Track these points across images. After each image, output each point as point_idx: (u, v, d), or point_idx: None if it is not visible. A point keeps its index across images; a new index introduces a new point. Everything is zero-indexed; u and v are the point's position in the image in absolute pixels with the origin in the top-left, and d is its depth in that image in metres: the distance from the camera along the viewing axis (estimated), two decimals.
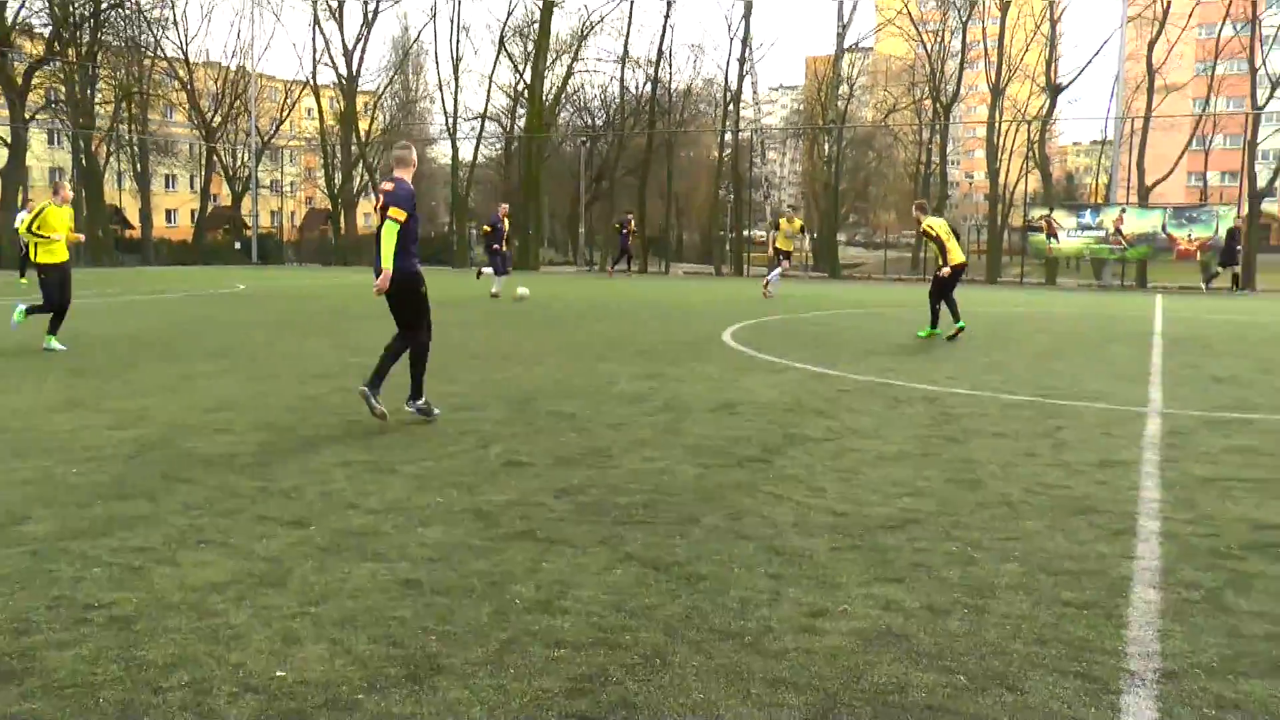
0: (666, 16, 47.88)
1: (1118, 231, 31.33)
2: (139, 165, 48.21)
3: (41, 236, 11.95)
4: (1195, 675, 3.49)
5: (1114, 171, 35.59)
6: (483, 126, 51.08)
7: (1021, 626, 3.89)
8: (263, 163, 54.49)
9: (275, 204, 58.02)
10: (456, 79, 49.64)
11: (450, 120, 50.22)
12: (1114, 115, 37.56)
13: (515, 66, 49.14)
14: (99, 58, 45.09)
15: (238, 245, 48.07)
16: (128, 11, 45.62)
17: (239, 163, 52.87)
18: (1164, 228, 31.06)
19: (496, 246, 22.81)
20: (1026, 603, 4.14)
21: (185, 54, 49.62)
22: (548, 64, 46.83)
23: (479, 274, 23.86)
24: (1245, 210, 34.91)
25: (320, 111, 52.39)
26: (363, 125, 52.11)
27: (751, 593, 4.22)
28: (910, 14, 44.57)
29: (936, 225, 14.76)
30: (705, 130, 53.17)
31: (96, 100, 46.04)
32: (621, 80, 49.08)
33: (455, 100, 54.69)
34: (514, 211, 30.19)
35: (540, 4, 45.92)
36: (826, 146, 46.49)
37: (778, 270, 23.52)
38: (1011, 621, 3.94)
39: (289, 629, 3.77)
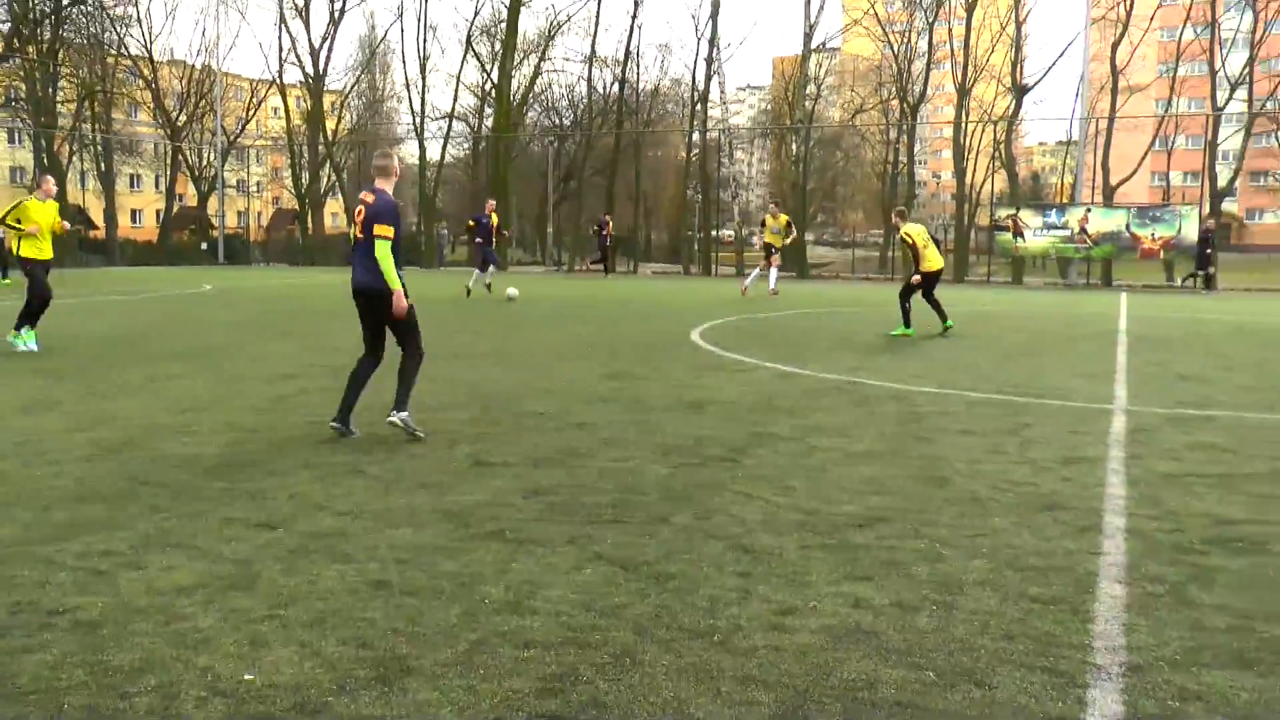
0: (634, 16, 47.75)
1: (1083, 231, 31.63)
2: (103, 165, 47.65)
3: (11, 227, 11.77)
4: (1159, 668, 3.53)
5: (1079, 171, 35.93)
6: (450, 126, 50.96)
7: (989, 622, 3.92)
8: (229, 162, 54.05)
9: (242, 204, 57.57)
10: (424, 78, 49.49)
11: (417, 120, 50.06)
12: (1079, 116, 37.98)
13: (483, 66, 49.06)
14: (60, 55, 44.54)
15: (204, 245, 47.63)
16: (89, 8, 45.12)
17: (205, 162, 52.37)
18: (1128, 227, 31.39)
19: (480, 241, 22.50)
20: (994, 599, 4.18)
21: (149, 52, 49.11)
22: (515, 63, 46.76)
23: (489, 286, 22.25)
24: (1207, 209, 35.36)
25: (287, 111, 52.02)
26: (330, 125, 51.77)
27: (721, 591, 4.23)
28: (877, 14, 44.82)
29: (915, 233, 15.06)
30: (673, 130, 53.23)
31: (58, 99, 45.46)
32: (589, 80, 49.10)
33: (422, 100, 54.34)
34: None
35: (507, 3, 45.83)
36: (794, 146, 46.67)
37: (756, 271, 23.11)
38: (979, 617, 3.97)
39: (257, 632, 3.74)
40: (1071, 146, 41.98)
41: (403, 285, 7.09)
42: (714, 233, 45.84)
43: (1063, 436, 7.56)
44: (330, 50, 50.61)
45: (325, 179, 52.42)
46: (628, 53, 47.25)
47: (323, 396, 8.86)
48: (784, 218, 23.34)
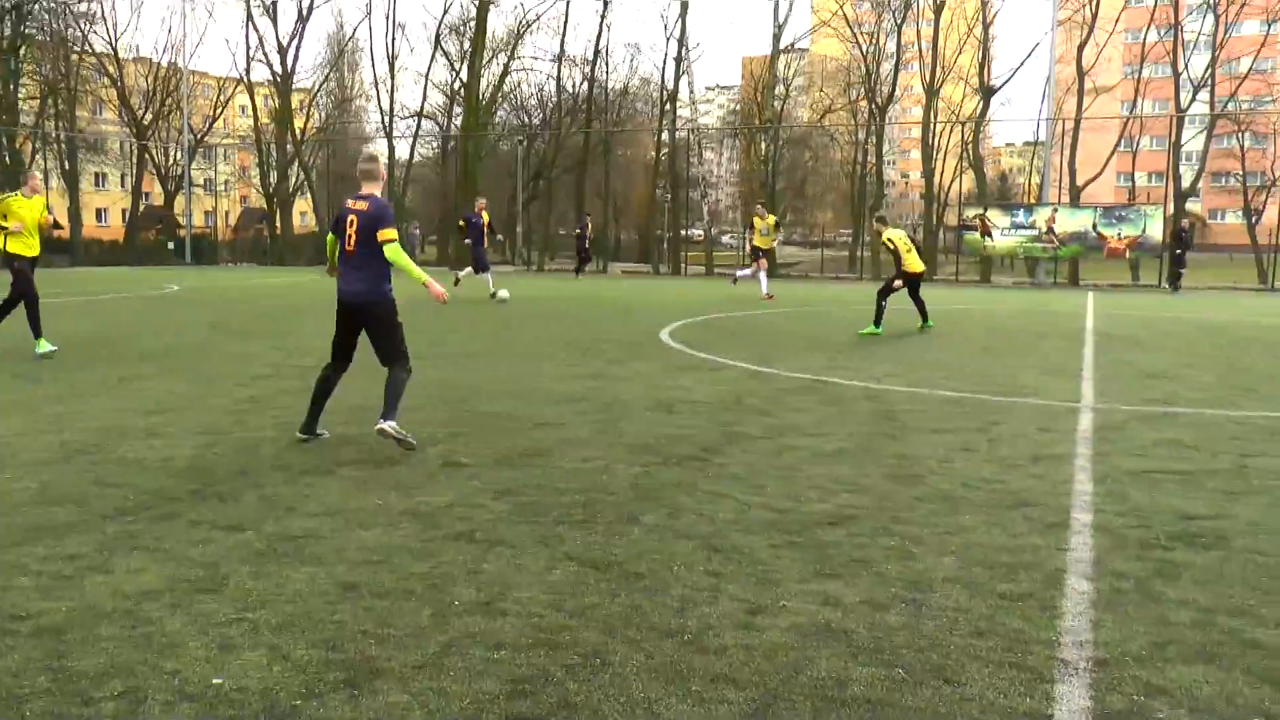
0: (603, 16, 47.78)
1: (1050, 230, 31.89)
2: (67, 163, 47.10)
3: None
4: (1126, 663, 3.57)
5: (1046, 172, 36.22)
6: (419, 125, 50.71)
7: (959, 619, 3.95)
8: (196, 161, 53.53)
9: (209, 203, 57.00)
10: (393, 77, 49.20)
11: (386, 119, 49.79)
12: (1045, 117, 38.30)
13: (452, 64, 48.85)
14: (22, 52, 43.96)
15: (171, 245, 47.15)
16: (53, 4, 44.57)
17: (172, 161, 51.80)
18: (1094, 227, 31.67)
19: (469, 242, 21.81)
20: (964, 596, 4.20)
21: (114, 49, 48.56)
22: (484, 62, 46.54)
23: (456, 281, 21.25)
24: (1171, 209, 35.78)
25: (254, 109, 51.56)
26: (298, 123, 51.36)
27: (691, 591, 4.24)
28: (845, 16, 45.00)
29: (897, 238, 15.41)
30: (642, 130, 53.20)
31: (20, 95, 44.87)
32: (558, 79, 48.97)
33: (391, 98, 54.11)
34: (450, 211, 29.67)
35: (476, 2, 45.66)
36: (763, 146, 46.77)
37: (747, 270, 22.88)
38: (949, 615, 4.00)
39: (225, 635, 3.71)
40: (1038, 147, 42.38)
41: (392, 298, 6.86)
42: (683, 232, 45.85)
43: (1031, 434, 7.62)
44: (298, 48, 50.35)
45: (294, 178, 52.01)
46: (597, 52, 47.26)
47: (293, 398, 8.80)
48: (771, 218, 23.24)
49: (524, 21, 48.19)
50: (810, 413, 8.44)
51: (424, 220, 54.02)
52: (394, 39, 69.76)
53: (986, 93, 43.45)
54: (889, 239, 15.40)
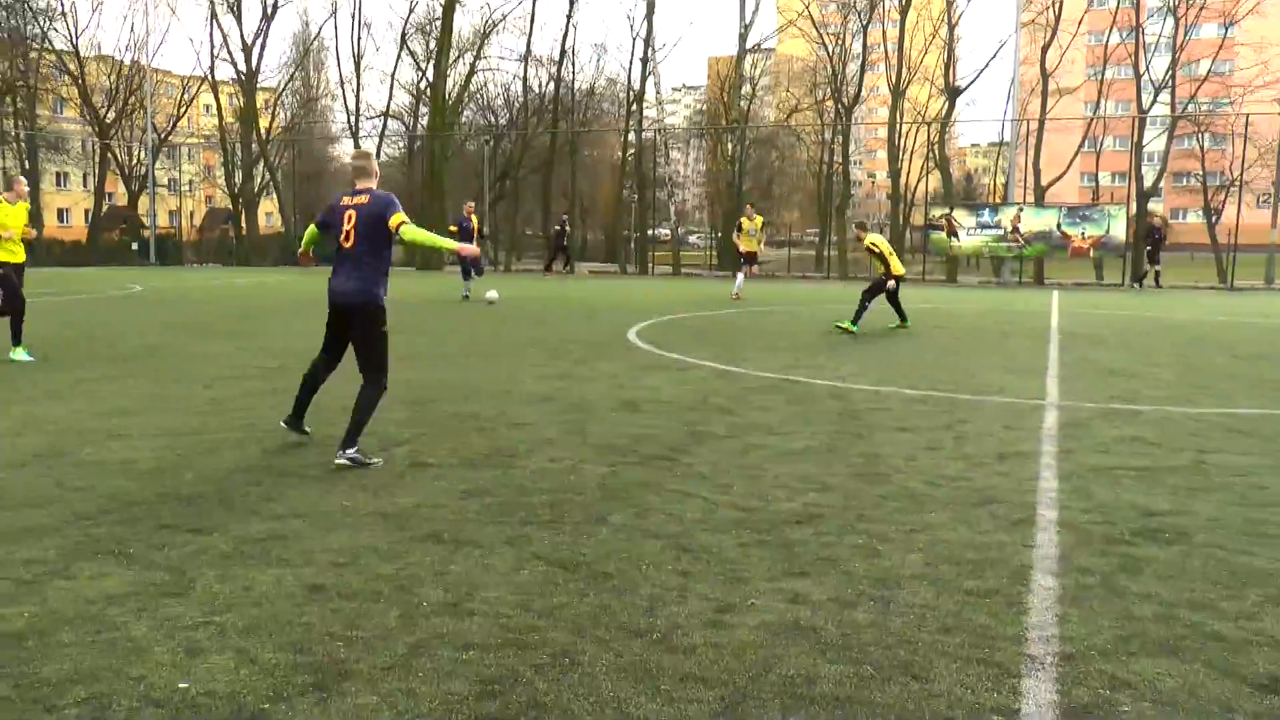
0: (569, 15, 47.63)
1: (1015, 230, 32.16)
2: (27, 162, 46.48)
3: None
4: (1091, 657, 3.61)
5: (1011, 172, 36.53)
6: (385, 125, 50.51)
7: (926, 616, 3.97)
8: (160, 160, 53.02)
9: (174, 203, 56.46)
10: (358, 76, 49.09)
11: (352, 118, 49.53)
12: (1010, 118, 38.58)
13: (418, 64, 48.67)
14: None
15: (135, 246, 46.64)
16: (10, 1, 43.95)
17: (135, 160, 51.24)
18: (1059, 226, 31.97)
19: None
20: (931, 593, 4.23)
21: (75, 47, 48.02)
22: (450, 62, 46.37)
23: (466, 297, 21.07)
24: (1134, 209, 36.19)
25: (219, 108, 51.13)
26: (263, 123, 50.98)
27: (660, 590, 4.24)
28: (811, 16, 45.15)
29: (880, 243, 15.71)
30: (609, 130, 53.18)
31: None
32: (525, 79, 48.88)
33: (357, 98, 53.90)
34: (418, 211, 29.40)
35: (442, 1, 45.46)
36: (730, 146, 46.87)
37: (741, 276, 22.60)
38: (916, 611, 4.02)
39: (192, 639, 3.68)
40: (1003, 147, 42.66)
41: (383, 304, 6.53)
42: (650, 232, 45.87)
43: (997, 432, 7.68)
44: (263, 47, 49.98)
45: (259, 178, 51.62)
46: (563, 52, 47.22)
47: (257, 399, 8.74)
48: (759, 219, 23.11)
49: (490, 21, 48.11)
50: (776, 412, 8.47)
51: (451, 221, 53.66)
52: (359, 38, 69.68)
53: (952, 93, 43.77)
54: (873, 243, 15.62)
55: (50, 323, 15.82)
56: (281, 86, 54.13)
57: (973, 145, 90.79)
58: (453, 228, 22.76)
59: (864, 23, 45.19)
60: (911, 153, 46.27)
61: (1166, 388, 10.03)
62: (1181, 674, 3.48)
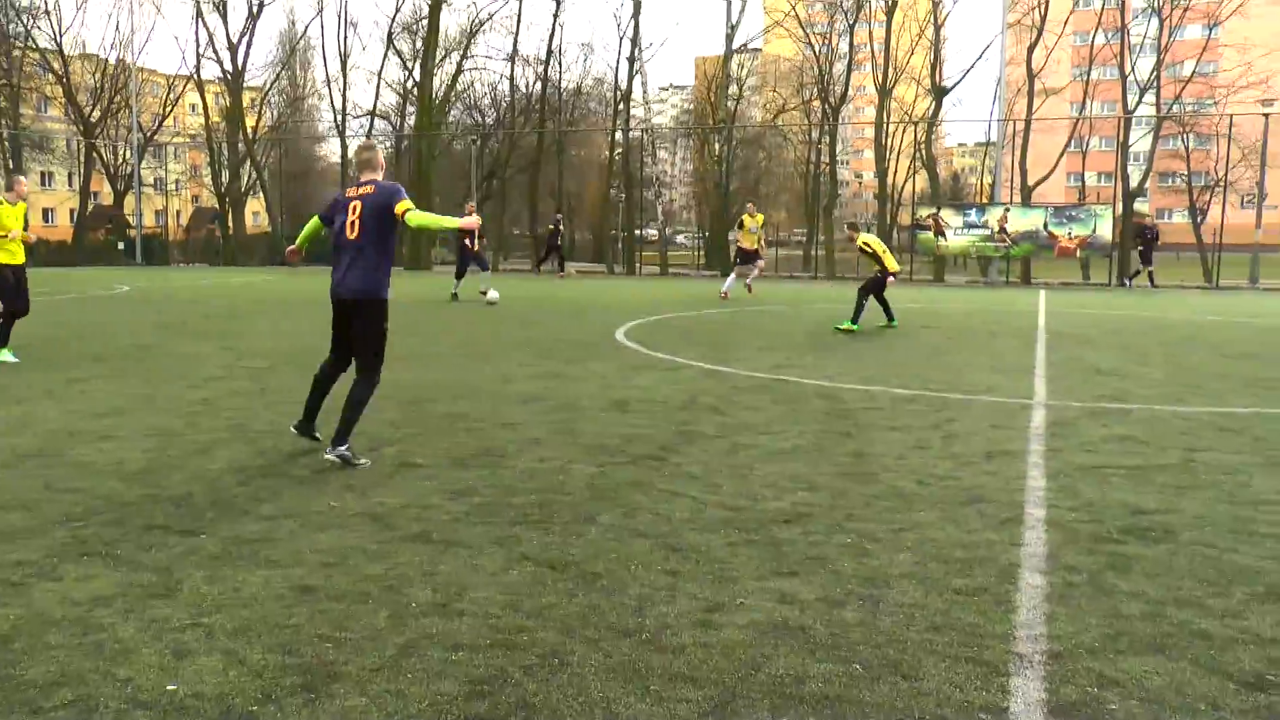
0: (556, 15, 47.51)
1: (1002, 230, 32.25)
2: (11, 162, 46.21)
3: None
4: (1079, 655, 3.62)
5: (997, 172, 36.64)
6: (372, 124, 50.28)
7: (915, 615, 3.98)
8: (146, 159, 52.76)
9: (160, 202, 56.15)
10: (345, 75, 48.78)
11: (339, 117, 49.34)
12: (997, 118, 38.72)
13: (404, 63, 48.49)
14: None
15: (121, 245, 46.42)
16: None
17: (121, 159, 50.98)
18: (1045, 226, 32.07)
19: (467, 242, 21.53)
20: (919, 591, 4.24)
21: (59, 45, 47.74)
22: (437, 61, 46.26)
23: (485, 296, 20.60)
24: (1120, 209, 36.32)
25: (205, 107, 50.92)
26: (249, 121, 50.79)
27: (649, 590, 4.24)
28: (798, 16, 45.19)
29: (873, 242, 15.86)
30: (596, 129, 53.11)
31: None
32: (511, 79, 48.74)
33: (344, 97, 53.60)
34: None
35: (429, 0, 45.39)
36: (717, 146, 46.89)
37: (733, 276, 22.50)
38: (905, 610, 4.03)
39: (180, 641, 3.66)
40: (990, 147, 42.81)
41: (386, 299, 6.48)
42: (638, 232, 45.87)
43: (985, 431, 7.70)
44: (249, 46, 49.70)
45: (246, 177, 51.42)
46: (550, 51, 47.08)
47: (245, 399, 8.71)
48: (760, 217, 22.87)
49: (477, 20, 47.93)
50: (765, 411, 8.48)
51: None
52: (346, 37, 68.96)
53: (939, 93, 43.83)
54: (866, 243, 15.73)
55: (39, 323, 15.72)
56: (268, 85, 53.94)
57: (960, 145, 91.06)
58: None
59: (850, 23, 45.22)
60: (899, 152, 46.40)
61: (1155, 387, 10.07)
62: (1169, 671, 3.49)
